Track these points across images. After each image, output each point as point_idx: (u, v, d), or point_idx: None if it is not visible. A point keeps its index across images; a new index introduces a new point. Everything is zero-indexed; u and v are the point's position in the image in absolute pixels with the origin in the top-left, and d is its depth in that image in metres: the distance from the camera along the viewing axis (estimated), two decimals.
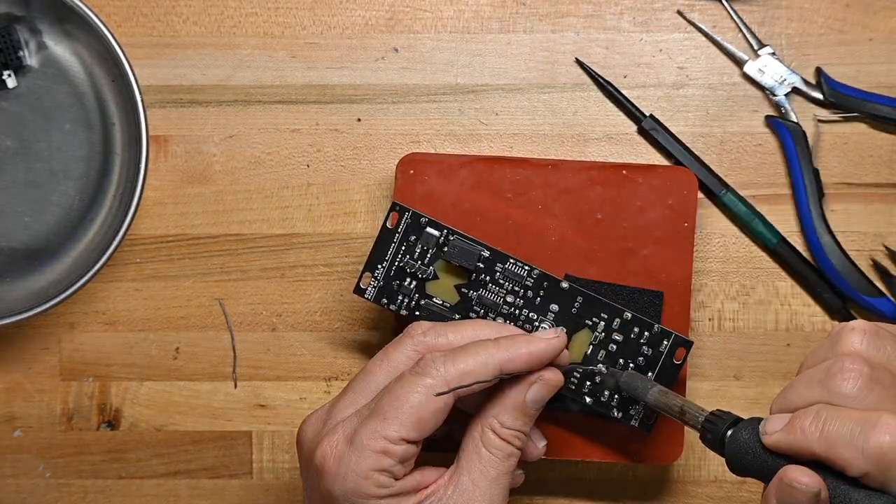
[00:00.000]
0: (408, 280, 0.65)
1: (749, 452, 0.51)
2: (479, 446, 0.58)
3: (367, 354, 0.71)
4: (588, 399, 0.64)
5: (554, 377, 0.59)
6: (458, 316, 0.64)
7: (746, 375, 0.70)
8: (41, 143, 0.69)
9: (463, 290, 0.64)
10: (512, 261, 0.64)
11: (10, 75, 0.68)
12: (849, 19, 0.70)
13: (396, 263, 0.65)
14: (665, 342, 0.64)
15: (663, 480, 0.71)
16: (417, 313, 0.64)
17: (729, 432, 0.52)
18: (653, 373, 0.64)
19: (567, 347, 0.62)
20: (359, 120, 0.71)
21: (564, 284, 0.64)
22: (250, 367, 0.71)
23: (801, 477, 0.48)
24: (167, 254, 0.71)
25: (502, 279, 0.64)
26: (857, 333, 0.51)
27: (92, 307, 0.71)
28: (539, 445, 0.62)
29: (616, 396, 0.64)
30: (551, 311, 0.64)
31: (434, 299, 0.64)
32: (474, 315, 0.64)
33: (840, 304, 0.70)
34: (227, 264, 0.71)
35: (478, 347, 0.57)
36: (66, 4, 0.66)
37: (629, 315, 0.64)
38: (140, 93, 0.66)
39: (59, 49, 0.69)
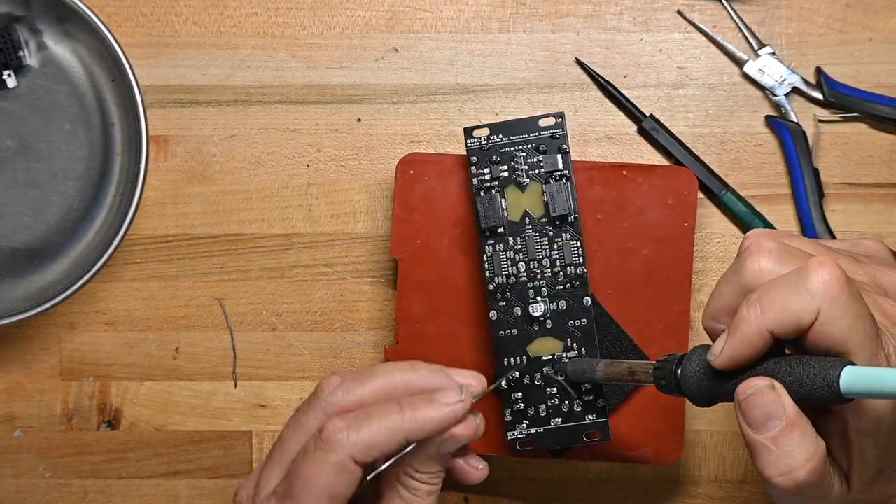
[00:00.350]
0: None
1: (704, 379, 0.51)
2: (399, 491, 0.58)
3: (368, 355, 0.71)
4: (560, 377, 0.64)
5: (464, 432, 0.57)
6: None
7: None
8: (41, 143, 0.69)
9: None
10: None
11: (10, 75, 0.68)
12: (849, 19, 0.70)
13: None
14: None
15: (663, 480, 0.71)
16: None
17: (679, 371, 0.52)
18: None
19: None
20: (359, 120, 0.71)
21: (586, 300, 0.64)
22: (250, 367, 0.71)
23: (752, 381, 0.48)
24: (167, 254, 0.71)
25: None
26: (757, 234, 0.52)
27: (92, 307, 0.71)
28: (479, 467, 0.61)
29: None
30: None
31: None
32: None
33: None
34: (227, 264, 0.71)
35: (381, 416, 0.56)
36: (66, 4, 0.66)
37: (587, 358, 0.64)
38: (140, 93, 0.66)
39: (59, 49, 0.69)
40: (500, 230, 0.64)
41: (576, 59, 0.71)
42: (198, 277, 0.71)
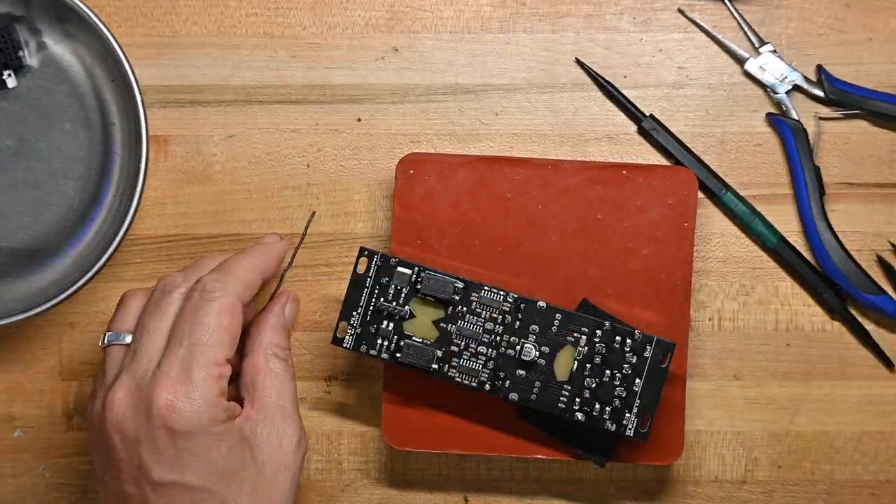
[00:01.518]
0: (385, 322, 0.64)
1: None
2: (269, 373, 0.62)
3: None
4: (580, 415, 0.64)
5: (294, 293, 0.67)
6: (440, 352, 0.64)
7: (746, 375, 0.70)
8: (41, 143, 0.69)
9: (441, 324, 0.64)
10: (487, 288, 0.64)
11: (10, 75, 0.68)
12: (849, 19, 0.70)
13: (372, 307, 0.64)
14: (648, 347, 0.64)
15: (663, 480, 0.71)
16: (398, 355, 0.64)
17: None
18: (640, 379, 0.64)
19: (551, 363, 0.64)
20: (359, 120, 0.71)
21: (541, 304, 0.64)
22: None
23: None
24: (167, 254, 0.71)
25: (479, 308, 0.64)
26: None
27: (92, 307, 0.71)
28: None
29: (608, 408, 0.64)
30: (532, 332, 0.64)
31: (413, 338, 0.64)
32: (455, 349, 0.64)
33: (840, 304, 0.70)
34: None
35: (241, 261, 0.63)
36: (66, 4, 0.66)
37: (608, 325, 0.64)
38: (140, 93, 0.66)
39: (59, 49, 0.69)
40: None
41: (576, 59, 0.71)
42: None
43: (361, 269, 0.64)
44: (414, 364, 0.64)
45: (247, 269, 0.62)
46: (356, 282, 0.64)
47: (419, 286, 0.64)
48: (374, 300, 0.64)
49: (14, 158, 0.69)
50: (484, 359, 0.64)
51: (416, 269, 0.64)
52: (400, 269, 0.64)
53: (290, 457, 0.61)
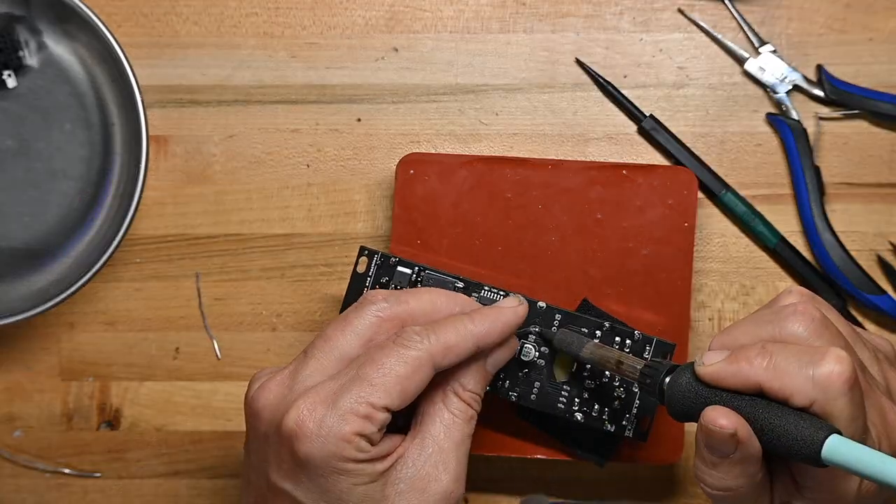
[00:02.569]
0: None
1: (688, 395, 0.52)
2: (442, 411, 0.58)
3: None
4: (579, 416, 0.64)
5: (514, 342, 0.61)
6: None
7: None
8: (41, 143, 0.69)
9: None
10: (487, 288, 0.64)
11: (10, 75, 0.68)
12: (849, 19, 0.70)
13: None
14: (648, 347, 0.64)
15: (663, 480, 0.71)
16: None
17: (667, 378, 0.53)
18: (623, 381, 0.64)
19: (550, 364, 0.64)
20: (359, 120, 0.71)
21: (541, 305, 0.64)
22: (251, 367, 0.71)
23: (719, 419, 0.49)
24: (167, 254, 0.71)
25: None
26: (795, 293, 0.54)
27: (92, 307, 0.71)
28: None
29: (607, 409, 0.64)
30: (532, 333, 0.64)
31: None
32: None
33: (840, 304, 0.70)
34: (227, 264, 0.71)
35: (456, 323, 0.58)
36: (66, 4, 0.66)
37: (608, 325, 0.64)
38: (140, 93, 0.66)
39: (59, 49, 0.69)
40: None
41: (576, 59, 0.71)
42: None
43: (361, 268, 0.64)
44: None
45: (458, 335, 0.57)
46: (356, 281, 0.64)
47: (419, 286, 0.64)
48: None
49: (14, 158, 0.69)
50: (534, 337, 0.64)
51: (416, 268, 0.64)
52: (400, 268, 0.64)
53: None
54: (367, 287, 0.64)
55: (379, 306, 0.58)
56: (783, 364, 0.49)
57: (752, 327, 0.53)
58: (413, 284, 0.64)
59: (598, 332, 0.64)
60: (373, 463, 0.55)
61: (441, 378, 0.58)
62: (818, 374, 0.48)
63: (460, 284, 0.64)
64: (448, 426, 0.58)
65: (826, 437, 0.46)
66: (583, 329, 0.64)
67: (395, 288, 0.64)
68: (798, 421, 0.48)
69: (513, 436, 0.67)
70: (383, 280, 0.64)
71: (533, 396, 0.64)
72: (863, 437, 0.50)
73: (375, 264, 0.64)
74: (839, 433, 0.47)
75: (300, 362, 0.58)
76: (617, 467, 0.70)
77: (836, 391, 0.48)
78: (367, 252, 0.64)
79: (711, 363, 0.51)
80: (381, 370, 0.55)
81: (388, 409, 0.55)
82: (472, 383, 0.59)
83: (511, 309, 0.59)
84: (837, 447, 0.46)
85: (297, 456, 0.54)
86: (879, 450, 0.51)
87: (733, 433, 0.49)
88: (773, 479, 0.53)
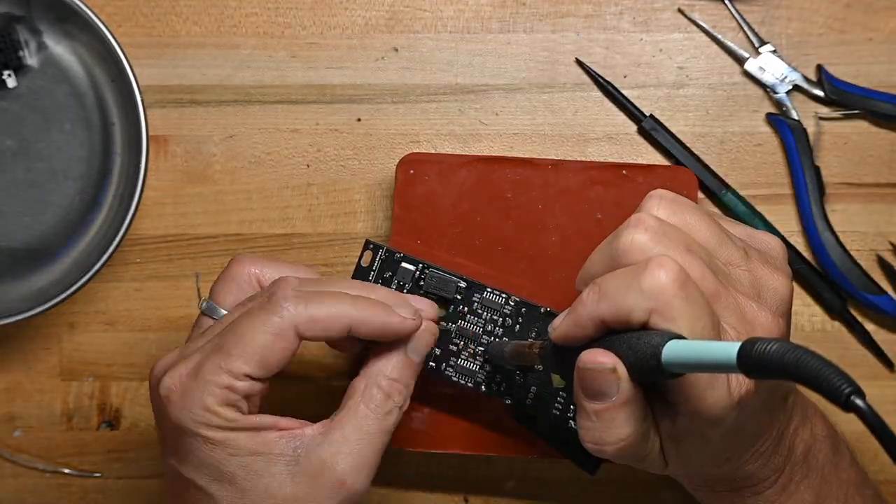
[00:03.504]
0: None
1: (555, 360, 0.51)
2: (356, 401, 0.56)
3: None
4: (573, 423, 0.64)
5: (435, 329, 0.59)
6: (438, 350, 0.64)
7: None
8: (41, 143, 0.69)
9: (441, 322, 0.64)
10: (489, 290, 0.64)
11: (10, 75, 0.68)
12: (849, 19, 0.70)
13: None
14: None
15: (663, 480, 0.71)
16: None
17: (549, 344, 0.53)
18: None
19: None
20: (359, 120, 0.71)
21: (543, 310, 0.64)
22: None
23: (598, 356, 0.48)
24: (167, 254, 0.71)
25: (480, 309, 0.64)
26: (655, 199, 0.53)
27: (92, 307, 0.71)
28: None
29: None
30: (531, 337, 0.64)
31: None
32: (454, 348, 0.64)
33: (840, 304, 0.70)
34: None
35: (333, 298, 0.55)
36: (66, 4, 0.66)
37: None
38: (140, 93, 0.66)
39: (59, 49, 0.69)
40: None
41: (576, 59, 0.71)
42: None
43: (366, 261, 0.64)
44: None
45: (330, 311, 0.55)
46: (359, 274, 0.64)
47: (422, 283, 0.64)
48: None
49: (14, 158, 0.69)
50: (482, 360, 0.64)
51: (420, 265, 0.64)
52: (404, 264, 0.64)
53: (322, 494, 0.54)
54: (370, 281, 0.64)
55: (279, 292, 0.56)
56: (612, 290, 0.49)
57: (597, 255, 0.53)
58: (416, 282, 0.64)
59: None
60: (247, 433, 0.54)
61: (366, 367, 0.57)
62: (645, 286, 0.47)
63: (463, 284, 0.64)
64: (360, 418, 0.56)
65: (663, 344, 0.45)
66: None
67: (399, 284, 0.64)
68: (643, 337, 0.47)
69: (513, 436, 0.67)
70: (387, 275, 0.64)
71: (528, 401, 0.64)
72: (714, 336, 0.49)
73: (380, 259, 0.64)
74: (680, 338, 0.46)
75: (189, 339, 0.58)
76: (617, 467, 0.70)
77: (668, 295, 0.47)
78: (371, 246, 0.64)
79: (557, 324, 0.51)
80: (240, 340, 0.54)
81: (250, 377, 0.54)
82: (396, 373, 0.57)
83: (399, 319, 0.57)
84: (674, 350, 0.45)
85: (172, 423, 0.55)
86: None
87: (613, 367, 0.48)
88: (655, 415, 0.52)
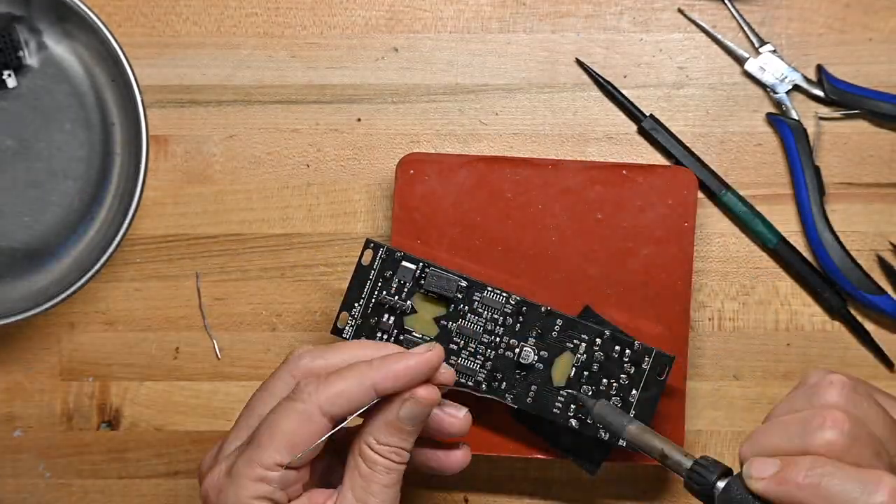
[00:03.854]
0: (386, 315, 0.64)
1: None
2: (358, 463, 0.57)
3: None
4: (574, 422, 0.64)
5: (426, 394, 0.57)
6: None
7: (746, 375, 0.70)
8: (41, 143, 0.69)
9: (442, 321, 0.64)
10: (490, 289, 0.64)
11: (10, 75, 0.68)
12: (849, 19, 0.70)
13: (374, 299, 0.64)
14: (647, 358, 0.64)
15: (663, 480, 0.71)
16: None
17: (720, 484, 0.51)
18: (636, 390, 0.64)
19: (549, 368, 0.63)
20: (359, 120, 0.71)
21: (543, 309, 0.64)
22: (250, 367, 0.71)
23: None
24: (167, 254, 0.71)
25: (481, 308, 0.64)
26: (836, 387, 0.51)
27: (92, 307, 0.71)
28: (459, 416, 0.60)
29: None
30: (532, 337, 0.64)
31: (413, 333, 0.64)
32: (455, 347, 0.64)
33: (840, 304, 0.70)
34: (227, 264, 0.71)
35: (351, 370, 0.56)
36: (66, 4, 0.66)
37: (608, 333, 0.64)
38: (140, 93, 0.66)
39: (59, 49, 0.69)
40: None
41: (576, 59, 0.71)
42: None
43: (366, 260, 0.64)
44: None
45: (350, 381, 0.55)
46: (360, 273, 0.64)
47: (423, 282, 0.64)
48: (376, 293, 0.64)
49: (14, 158, 0.69)
50: (482, 359, 0.64)
51: (421, 264, 0.64)
52: (405, 263, 0.64)
53: None
54: (370, 280, 0.64)
55: (293, 365, 0.58)
56: (834, 491, 0.47)
57: (780, 436, 0.51)
58: (417, 281, 0.64)
59: (599, 340, 0.64)
60: None
61: (361, 427, 0.57)
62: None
63: (464, 283, 0.64)
64: (366, 479, 0.56)
65: None
66: (583, 336, 0.64)
67: (400, 283, 0.64)
68: None
69: (512, 436, 0.67)
70: (387, 274, 0.64)
71: (529, 400, 0.64)
72: None
73: (380, 258, 0.64)
74: None
75: (230, 431, 0.58)
76: (616, 467, 0.70)
77: None
78: (372, 245, 0.64)
79: (761, 477, 0.49)
80: (269, 430, 0.55)
81: (283, 466, 0.55)
82: (384, 437, 0.56)
83: (416, 356, 0.57)
84: None
85: None
86: None
87: None
88: None
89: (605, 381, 0.64)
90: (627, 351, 0.64)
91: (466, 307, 0.64)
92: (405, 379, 0.56)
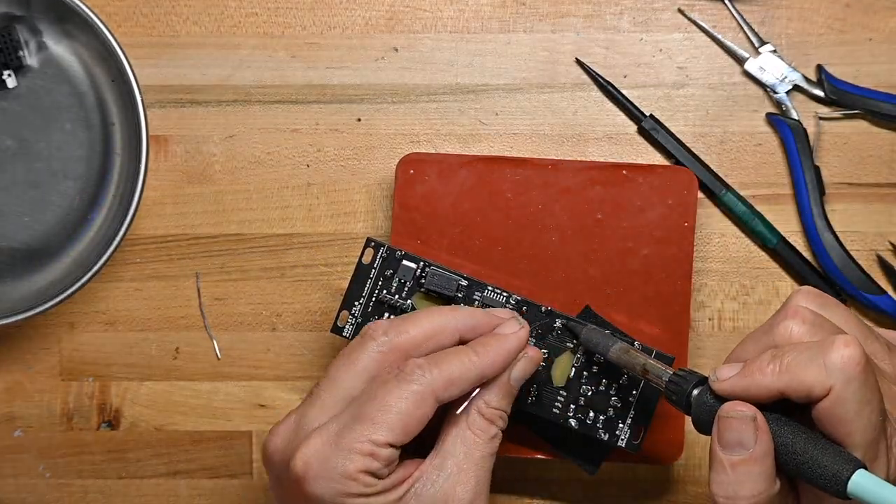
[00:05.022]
0: (386, 314, 0.64)
1: (713, 410, 0.52)
2: (463, 429, 0.58)
3: None
4: (573, 422, 0.64)
5: (536, 354, 0.60)
6: None
7: None
8: (41, 143, 0.69)
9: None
10: (490, 288, 0.64)
11: (10, 75, 0.68)
12: (849, 19, 0.70)
13: (374, 298, 0.64)
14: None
15: (663, 480, 0.71)
16: None
17: (695, 392, 0.53)
18: (637, 390, 0.64)
19: (549, 368, 0.64)
20: (359, 120, 0.71)
21: (544, 309, 0.64)
22: (250, 367, 0.71)
23: (738, 406, 0.50)
24: (167, 254, 0.71)
25: (482, 307, 0.64)
26: (803, 295, 0.54)
27: (92, 307, 0.71)
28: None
29: (602, 417, 0.64)
30: (532, 337, 0.64)
31: None
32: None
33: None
34: (227, 264, 0.71)
35: (460, 355, 0.58)
36: (66, 4, 0.66)
37: (608, 333, 0.64)
38: (140, 93, 0.66)
39: (59, 49, 0.69)
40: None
41: (576, 59, 0.71)
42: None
43: (367, 259, 0.64)
44: None
45: (462, 368, 0.57)
46: (360, 272, 0.64)
47: (423, 281, 0.64)
48: (377, 291, 0.64)
49: (14, 158, 0.69)
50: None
51: (422, 263, 0.64)
52: (405, 262, 0.64)
53: None
54: (371, 279, 0.64)
55: (380, 341, 0.59)
56: (794, 362, 0.50)
57: (751, 344, 0.54)
58: (417, 280, 0.64)
59: None
60: (384, 494, 0.56)
61: (464, 399, 0.59)
62: (830, 361, 0.49)
63: (465, 283, 0.64)
64: (469, 445, 0.58)
65: (851, 473, 0.47)
66: (607, 331, 0.64)
67: (400, 282, 0.64)
68: (824, 450, 0.49)
69: (512, 436, 0.67)
70: (387, 273, 0.64)
71: (529, 400, 0.64)
72: (880, 420, 0.50)
73: (381, 256, 0.64)
74: (864, 468, 0.47)
75: (307, 404, 0.58)
76: (616, 467, 0.70)
77: (850, 373, 0.49)
78: (373, 244, 0.64)
79: (726, 377, 0.52)
80: (383, 407, 0.56)
81: (391, 445, 0.56)
82: (495, 399, 0.59)
83: (514, 336, 0.59)
84: (862, 483, 0.47)
85: (308, 496, 0.55)
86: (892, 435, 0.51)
87: (753, 417, 0.49)
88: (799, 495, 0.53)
89: (604, 381, 0.64)
90: None
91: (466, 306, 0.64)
92: (508, 363, 0.59)
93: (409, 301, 0.64)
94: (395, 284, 0.64)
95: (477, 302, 0.64)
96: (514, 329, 0.60)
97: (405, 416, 0.56)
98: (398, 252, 0.64)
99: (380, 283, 0.64)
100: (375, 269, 0.64)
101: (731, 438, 0.50)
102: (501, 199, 0.67)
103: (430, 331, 0.59)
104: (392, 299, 0.64)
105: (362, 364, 0.58)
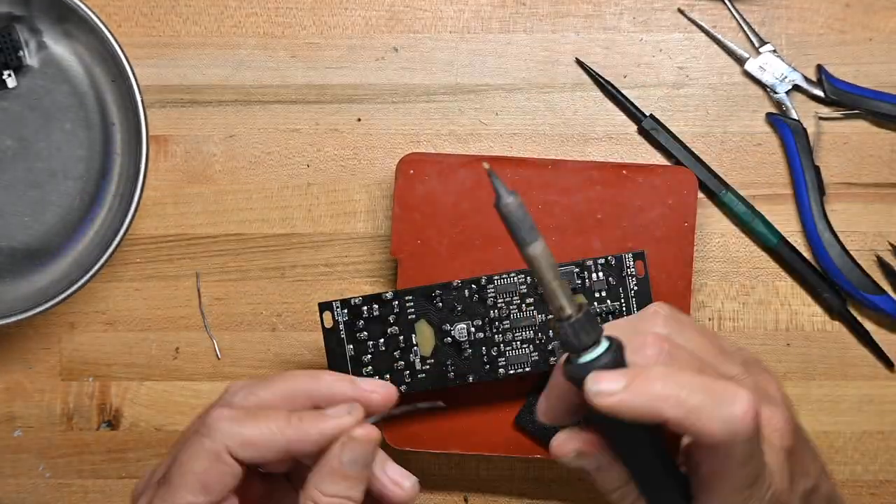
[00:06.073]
0: (395, 352, 0.65)
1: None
2: None
3: None
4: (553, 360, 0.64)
5: (364, 433, 0.52)
6: (452, 372, 0.65)
7: None
8: (41, 143, 0.69)
9: (444, 338, 0.65)
10: (497, 277, 0.64)
11: (10, 75, 0.68)
12: (849, 19, 0.70)
13: (366, 349, 0.65)
14: (626, 264, 0.64)
15: None
16: (420, 377, 0.65)
17: (587, 356, 0.47)
18: (626, 300, 0.64)
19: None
20: (359, 120, 0.71)
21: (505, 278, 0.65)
22: (250, 367, 0.71)
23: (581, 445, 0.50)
24: (167, 254, 0.71)
25: (498, 298, 0.64)
26: (652, 314, 0.52)
27: (92, 307, 0.71)
28: (405, 485, 0.55)
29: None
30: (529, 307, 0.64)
31: (423, 360, 0.65)
32: (498, 344, 0.64)
33: (840, 304, 0.70)
34: (227, 264, 0.71)
35: (268, 418, 0.52)
36: (66, 4, 0.66)
37: (590, 263, 0.64)
38: (140, 93, 0.66)
39: (59, 49, 0.69)
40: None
41: (576, 59, 0.71)
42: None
43: (329, 323, 0.64)
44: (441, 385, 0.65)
45: (264, 433, 0.52)
46: (329, 338, 0.64)
47: (436, 301, 0.64)
48: (354, 346, 0.65)
49: (14, 158, 0.69)
50: (530, 346, 0.64)
51: (393, 296, 0.64)
52: (365, 306, 0.64)
53: None
54: (344, 339, 0.64)
55: (226, 401, 0.54)
56: (694, 403, 0.46)
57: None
58: (395, 313, 0.64)
59: (586, 273, 0.65)
60: None
61: (307, 478, 0.53)
62: (729, 416, 0.46)
63: (458, 283, 0.64)
64: None
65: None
66: (577, 279, 0.64)
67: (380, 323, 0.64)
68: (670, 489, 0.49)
69: (512, 436, 0.67)
70: (358, 324, 0.64)
71: (502, 362, 0.64)
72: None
73: (340, 315, 0.64)
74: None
75: (162, 460, 0.56)
76: None
77: (744, 435, 0.46)
78: (323, 307, 0.64)
79: (611, 392, 0.46)
80: (180, 468, 0.52)
81: None
82: (330, 487, 0.52)
83: (335, 420, 0.52)
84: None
85: None
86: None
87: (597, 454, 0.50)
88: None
89: (608, 302, 0.65)
90: (611, 264, 0.64)
91: (470, 307, 0.64)
92: (324, 443, 0.52)
93: (412, 335, 0.65)
94: (367, 331, 0.64)
95: (490, 297, 0.64)
96: (339, 414, 0.53)
97: (201, 476, 0.51)
98: (353, 300, 0.64)
99: (361, 335, 0.65)
100: (343, 328, 0.64)
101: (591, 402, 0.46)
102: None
103: (283, 395, 0.54)
104: (381, 342, 0.65)
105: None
